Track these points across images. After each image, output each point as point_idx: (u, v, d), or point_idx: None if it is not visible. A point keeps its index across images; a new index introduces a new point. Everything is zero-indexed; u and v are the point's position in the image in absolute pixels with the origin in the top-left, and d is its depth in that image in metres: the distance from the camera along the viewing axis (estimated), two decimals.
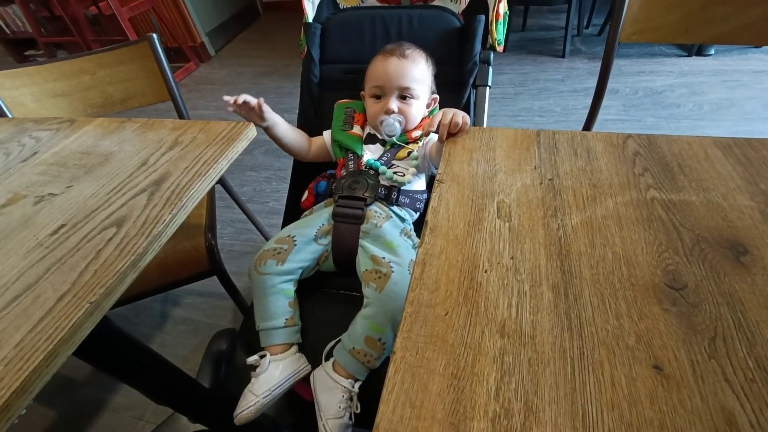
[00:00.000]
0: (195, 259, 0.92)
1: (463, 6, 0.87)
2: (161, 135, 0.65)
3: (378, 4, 0.94)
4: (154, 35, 0.91)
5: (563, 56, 2.41)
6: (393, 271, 0.61)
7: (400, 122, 0.75)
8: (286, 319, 0.66)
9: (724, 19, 0.87)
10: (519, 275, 0.36)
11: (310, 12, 0.88)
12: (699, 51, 2.24)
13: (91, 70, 0.96)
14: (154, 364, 0.69)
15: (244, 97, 0.70)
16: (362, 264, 0.66)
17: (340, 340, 0.62)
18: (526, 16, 2.69)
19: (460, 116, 0.55)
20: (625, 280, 0.34)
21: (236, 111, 0.71)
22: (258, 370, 0.62)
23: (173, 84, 0.96)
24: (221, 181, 1.14)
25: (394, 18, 0.84)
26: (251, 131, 0.64)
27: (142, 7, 2.50)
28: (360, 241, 0.68)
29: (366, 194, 0.72)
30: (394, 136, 0.75)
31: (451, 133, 0.55)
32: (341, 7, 0.93)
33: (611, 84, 2.34)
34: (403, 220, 0.75)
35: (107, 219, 0.49)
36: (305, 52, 0.89)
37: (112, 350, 0.60)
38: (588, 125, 1.04)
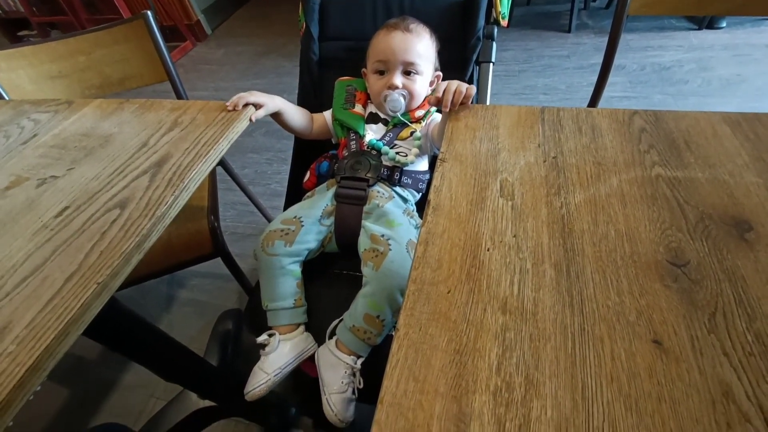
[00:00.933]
0: (198, 241, 0.93)
1: None
2: (160, 116, 0.64)
3: None
4: (149, 12, 0.89)
5: (569, 31, 2.34)
6: (390, 249, 0.61)
7: (404, 97, 0.73)
8: (294, 300, 0.66)
9: None
10: (521, 253, 0.36)
11: None
12: (710, 24, 2.17)
13: (86, 50, 0.94)
14: (162, 344, 0.71)
15: (244, 99, 0.65)
16: (362, 244, 0.66)
17: (342, 319, 0.63)
18: None
19: (465, 86, 0.54)
20: (627, 257, 0.34)
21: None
22: (267, 348, 0.63)
23: (170, 64, 0.95)
24: (222, 163, 1.14)
25: None
26: (250, 111, 0.63)
27: None
28: (362, 221, 0.68)
29: (368, 175, 0.71)
30: (398, 112, 0.74)
31: (455, 104, 0.54)
32: None
33: (618, 60, 2.28)
34: (405, 200, 0.75)
35: (110, 201, 0.49)
36: (303, 28, 0.86)
37: (120, 330, 0.62)
38: (593, 102, 1.02)
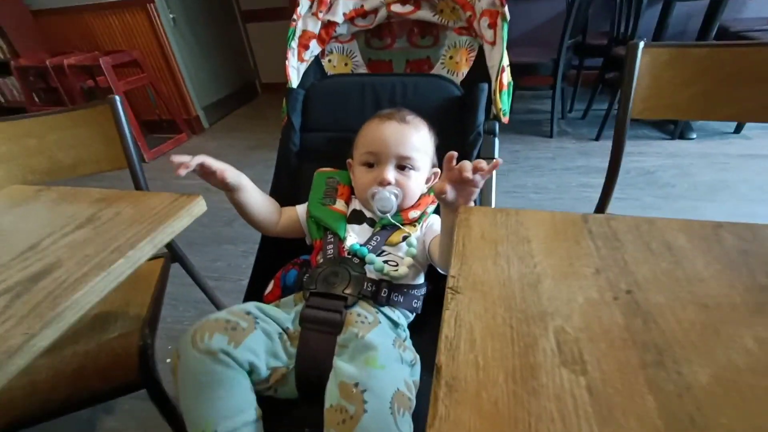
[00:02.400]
0: (121, 364, 0.70)
1: (462, 77, 0.80)
2: (78, 209, 0.49)
3: (368, 72, 0.87)
4: (117, 97, 0.80)
5: (551, 136, 2.46)
6: (365, 411, 0.41)
7: (396, 196, 0.61)
8: (255, 410, 0.46)
9: (741, 100, 0.81)
10: None
11: (294, 79, 0.80)
12: (681, 134, 2.29)
13: (39, 133, 0.84)
14: None
15: (200, 159, 0.54)
16: (329, 394, 0.45)
17: None
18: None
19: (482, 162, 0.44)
20: None
21: (195, 172, 0.56)
22: None
23: (132, 150, 0.84)
24: (178, 257, 0.96)
25: (386, 85, 0.76)
26: (198, 206, 0.49)
27: (140, 82, 2.54)
28: (334, 358, 0.49)
29: (347, 292, 0.54)
30: (388, 213, 0.61)
31: (463, 181, 0.42)
32: (329, 75, 0.86)
33: (603, 163, 2.36)
34: (396, 324, 0.57)
35: None
36: (285, 120, 0.78)
37: None
38: (602, 205, 0.94)
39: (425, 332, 0.60)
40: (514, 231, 0.37)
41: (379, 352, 0.47)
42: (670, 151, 2.17)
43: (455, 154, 0.47)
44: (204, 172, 0.56)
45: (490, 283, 0.31)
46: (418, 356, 0.52)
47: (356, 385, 0.43)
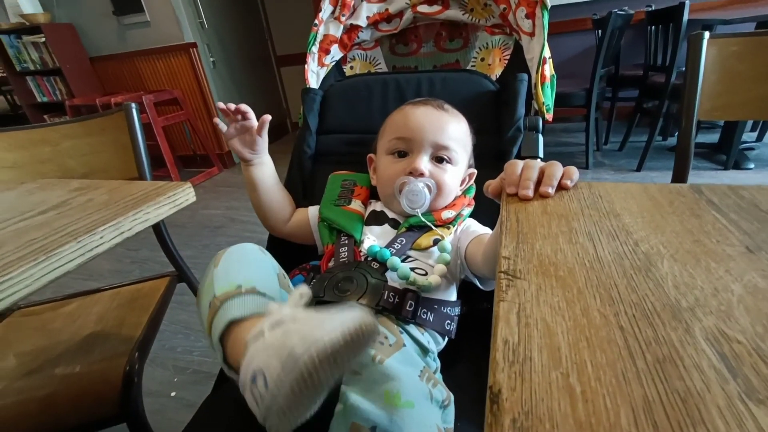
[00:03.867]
0: (100, 394, 0.60)
1: (498, 72, 0.72)
2: (50, 196, 0.43)
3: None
4: (132, 104, 0.78)
5: (587, 167, 2.31)
6: None
7: (430, 188, 0.50)
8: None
9: None
10: None
11: (313, 82, 0.75)
12: (736, 165, 2.09)
13: (54, 141, 0.82)
14: None
15: (243, 107, 0.55)
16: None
17: None
18: None
19: (558, 170, 0.31)
20: None
21: (231, 126, 0.56)
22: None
23: (143, 159, 0.80)
24: (186, 278, 0.88)
25: (411, 82, 0.68)
26: (184, 194, 0.41)
27: (178, 118, 2.67)
28: (342, 388, 0.36)
29: (363, 302, 0.43)
30: (419, 208, 0.50)
31: (542, 193, 0.29)
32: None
33: None
34: (425, 350, 0.44)
35: None
36: (302, 121, 0.72)
37: None
38: None
39: (457, 366, 0.47)
40: (591, 204, 0.26)
41: (403, 385, 0.34)
42: (728, 181, 1.97)
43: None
44: (242, 126, 0.56)
45: (567, 265, 0.20)
46: (451, 395, 0.39)
47: (373, 429, 0.31)
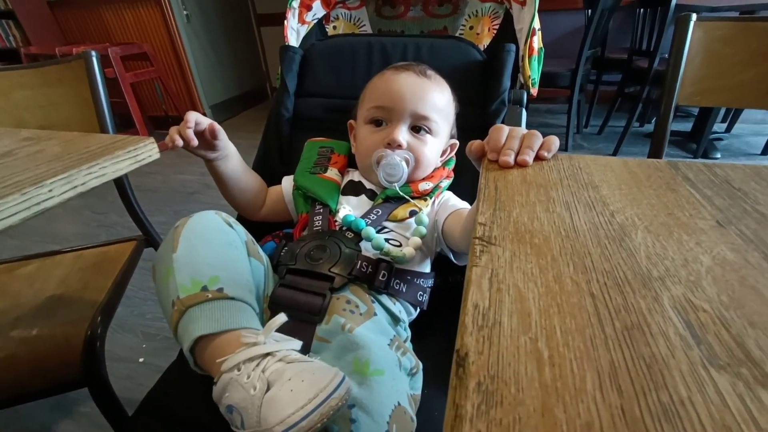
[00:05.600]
0: (63, 356, 0.58)
1: (486, 42, 0.70)
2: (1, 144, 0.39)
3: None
4: (93, 52, 0.71)
5: (566, 150, 2.35)
6: None
7: (407, 162, 0.49)
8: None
9: None
10: None
11: (292, 40, 0.70)
12: (705, 154, 2.17)
13: (5, 90, 0.75)
14: None
15: (193, 114, 0.47)
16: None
17: None
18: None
19: (537, 140, 0.30)
20: None
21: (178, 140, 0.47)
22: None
23: (106, 115, 0.74)
24: (155, 242, 0.84)
25: (397, 46, 0.65)
26: (146, 149, 0.38)
27: (148, 75, 2.49)
28: (310, 355, 0.36)
29: (334, 270, 0.42)
30: (396, 182, 0.49)
31: (521, 162, 0.28)
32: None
33: None
34: (396, 320, 0.44)
35: None
36: (279, 82, 0.68)
37: None
38: None
39: (428, 336, 0.48)
40: (571, 175, 0.25)
41: (373, 353, 0.34)
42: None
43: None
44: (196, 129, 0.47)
45: (543, 233, 0.19)
46: (420, 363, 0.39)
47: None
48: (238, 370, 0.29)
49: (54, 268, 0.76)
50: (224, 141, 0.49)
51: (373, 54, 0.66)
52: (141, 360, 1.07)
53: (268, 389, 0.28)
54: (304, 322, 0.39)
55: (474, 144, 0.33)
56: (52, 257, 0.78)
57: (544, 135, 0.31)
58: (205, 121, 0.47)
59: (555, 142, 0.30)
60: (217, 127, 0.47)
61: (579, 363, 0.13)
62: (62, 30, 2.78)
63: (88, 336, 0.59)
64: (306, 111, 0.67)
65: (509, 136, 0.30)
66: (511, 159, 0.28)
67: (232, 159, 0.52)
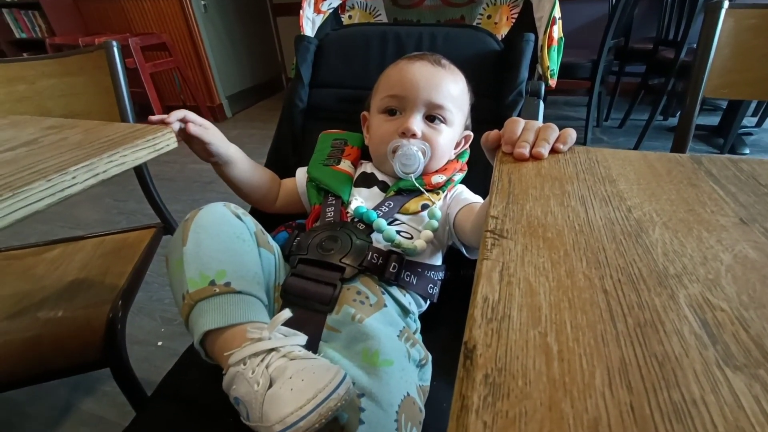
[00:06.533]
0: (84, 339, 0.60)
1: (504, 32, 0.68)
2: (21, 134, 0.40)
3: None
4: (114, 42, 0.73)
5: (585, 143, 2.29)
6: (362, 422, 0.29)
7: (424, 152, 0.48)
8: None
9: None
10: None
11: (308, 30, 0.70)
12: (732, 150, 2.08)
13: (30, 79, 0.77)
14: None
15: (181, 113, 0.46)
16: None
17: None
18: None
19: (553, 133, 0.29)
20: None
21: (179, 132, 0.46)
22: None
23: (126, 103, 0.75)
24: (173, 230, 0.86)
25: (412, 35, 0.64)
26: (164, 138, 0.39)
27: (167, 65, 2.53)
28: (321, 345, 0.37)
29: (345, 261, 0.43)
30: (412, 172, 0.48)
31: (536, 154, 0.28)
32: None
33: None
34: (406, 311, 0.44)
35: None
36: (294, 73, 0.68)
37: None
38: None
39: (437, 328, 0.48)
40: (587, 169, 0.25)
41: (382, 344, 0.35)
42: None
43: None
44: (186, 134, 0.47)
45: (556, 227, 0.19)
46: (429, 355, 0.39)
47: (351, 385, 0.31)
48: (244, 364, 0.30)
49: (76, 253, 0.78)
50: (219, 147, 0.49)
51: (387, 43, 0.65)
52: (159, 344, 1.11)
53: (271, 385, 0.28)
54: (315, 312, 0.39)
55: (491, 135, 0.32)
56: (74, 243, 0.81)
57: (562, 128, 0.30)
58: (197, 131, 0.47)
59: (572, 134, 0.29)
60: (206, 136, 0.47)
61: (589, 359, 0.12)
62: (84, 20, 2.84)
63: (109, 319, 0.61)
64: (320, 101, 0.67)
65: (525, 128, 0.30)
66: (526, 151, 0.27)
67: (237, 165, 0.53)
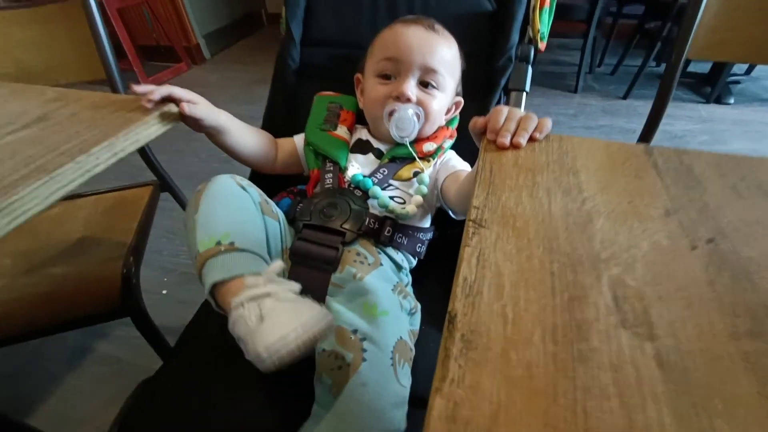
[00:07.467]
0: (101, 292, 0.66)
1: None
2: (28, 107, 0.41)
3: None
4: None
5: (575, 91, 2.27)
6: (364, 359, 0.36)
7: (419, 116, 0.50)
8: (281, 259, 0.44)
9: None
10: None
11: None
12: (718, 98, 2.11)
13: (3, 30, 0.73)
14: None
15: (166, 91, 0.42)
16: (322, 339, 0.40)
17: None
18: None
19: (532, 123, 0.33)
20: None
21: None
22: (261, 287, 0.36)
23: (109, 57, 0.73)
24: (168, 187, 0.89)
25: None
26: (170, 114, 0.41)
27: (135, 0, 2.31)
28: (327, 299, 0.43)
29: (345, 226, 0.48)
30: (407, 136, 0.51)
31: (515, 143, 0.32)
32: None
33: (628, 123, 2.19)
34: (400, 267, 0.50)
35: None
36: (285, 31, 0.67)
37: None
38: None
39: (426, 280, 0.55)
40: (557, 159, 0.29)
41: (379, 297, 0.41)
42: (704, 116, 2.01)
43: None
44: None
45: (524, 218, 0.24)
46: (419, 304, 0.47)
47: (355, 332, 0.38)
48: (242, 307, 0.35)
49: (77, 211, 0.81)
50: (212, 121, 0.49)
51: (378, 1, 0.64)
52: (164, 292, 1.18)
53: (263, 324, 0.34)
54: (321, 271, 0.45)
55: (478, 121, 0.36)
56: (74, 200, 0.83)
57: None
58: (180, 93, 0.45)
59: (548, 124, 0.33)
60: (198, 112, 0.46)
61: (532, 323, 0.18)
62: None
63: (124, 274, 0.66)
64: (312, 60, 0.67)
65: (507, 118, 0.33)
66: (507, 141, 0.31)
67: (230, 133, 0.52)
